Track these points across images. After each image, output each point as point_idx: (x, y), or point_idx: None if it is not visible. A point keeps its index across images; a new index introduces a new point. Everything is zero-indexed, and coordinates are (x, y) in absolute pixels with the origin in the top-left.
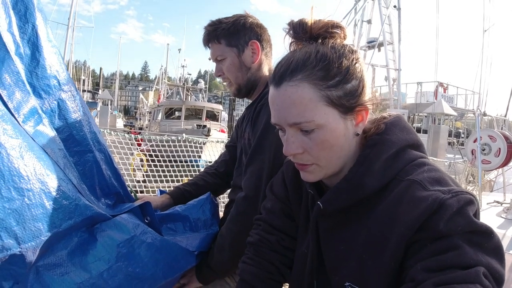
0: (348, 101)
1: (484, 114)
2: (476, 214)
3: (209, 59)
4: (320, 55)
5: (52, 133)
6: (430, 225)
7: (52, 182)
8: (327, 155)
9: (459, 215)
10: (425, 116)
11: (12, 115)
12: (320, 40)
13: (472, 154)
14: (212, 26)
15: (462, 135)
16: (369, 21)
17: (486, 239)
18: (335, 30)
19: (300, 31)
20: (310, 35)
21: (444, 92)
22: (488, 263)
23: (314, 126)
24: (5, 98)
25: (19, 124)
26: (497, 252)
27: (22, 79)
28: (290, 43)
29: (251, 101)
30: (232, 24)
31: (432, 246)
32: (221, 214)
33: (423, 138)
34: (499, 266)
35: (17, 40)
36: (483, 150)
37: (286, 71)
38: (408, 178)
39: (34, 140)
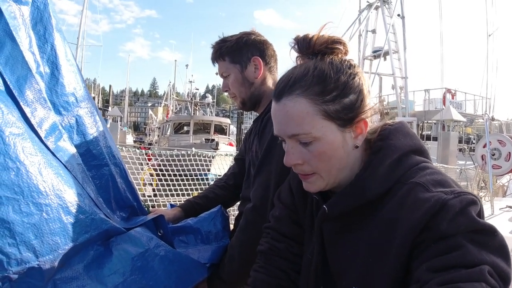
0: (346, 114)
1: (493, 119)
2: (480, 215)
3: (216, 73)
4: (317, 71)
5: (71, 148)
6: (433, 225)
7: (70, 197)
8: (326, 167)
9: (461, 215)
10: (434, 123)
11: (35, 131)
12: (319, 56)
13: (482, 159)
14: (217, 44)
15: (473, 141)
16: (373, 31)
17: (490, 238)
18: (336, 46)
19: (304, 47)
20: (313, 51)
21: (452, 98)
22: (493, 262)
23: (311, 138)
24: (28, 115)
25: (42, 139)
26: (502, 250)
27: (43, 96)
28: (296, 57)
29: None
30: (236, 42)
31: (436, 247)
32: (231, 226)
33: (433, 145)
34: (505, 265)
35: (37, 59)
36: (493, 155)
37: (285, 87)
38: (411, 181)
39: (55, 155)
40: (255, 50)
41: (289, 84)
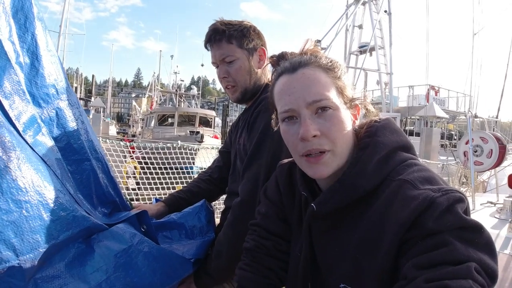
0: (349, 93)
1: (476, 116)
2: (466, 212)
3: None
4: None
5: (50, 142)
6: (420, 223)
7: (50, 193)
8: (342, 139)
9: (448, 212)
10: (418, 119)
11: (13, 124)
12: None
13: (465, 155)
14: (224, 25)
15: (455, 137)
16: (360, 26)
17: (476, 235)
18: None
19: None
20: None
21: (436, 95)
22: (479, 259)
23: (332, 104)
24: (6, 107)
25: (20, 133)
26: (489, 247)
27: (22, 88)
28: (273, 71)
29: (245, 107)
30: (244, 27)
31: (423, 244)
32: (217, 221)
33: (415, 141)
34: (491, 261)
35: (17, 49)
36: (475, 151)
37: (299, 61)
38: (399, 178)
39: (34, 150)
40: (260, 41)
41: (304, 60)
